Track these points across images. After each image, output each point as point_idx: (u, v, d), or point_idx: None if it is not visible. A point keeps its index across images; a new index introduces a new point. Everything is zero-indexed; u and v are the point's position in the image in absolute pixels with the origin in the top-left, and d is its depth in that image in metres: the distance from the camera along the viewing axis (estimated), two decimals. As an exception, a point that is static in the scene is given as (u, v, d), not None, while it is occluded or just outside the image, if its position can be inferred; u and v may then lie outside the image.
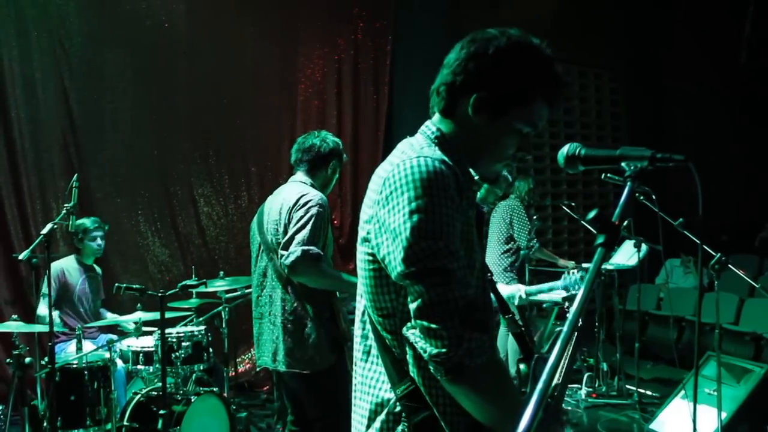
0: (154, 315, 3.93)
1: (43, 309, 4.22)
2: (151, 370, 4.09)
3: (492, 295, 1.58)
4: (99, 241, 4.63)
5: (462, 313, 1.26)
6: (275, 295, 2.95)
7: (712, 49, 8.19)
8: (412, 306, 1.30)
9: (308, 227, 2.79)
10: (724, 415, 3.73)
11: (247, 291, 4.35)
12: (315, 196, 2.90)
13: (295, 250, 2.75)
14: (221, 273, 4.55)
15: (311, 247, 2.76)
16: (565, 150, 1.32)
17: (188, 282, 3.96)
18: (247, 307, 3.44)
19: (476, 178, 1.50)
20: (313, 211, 2.82)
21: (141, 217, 5.82)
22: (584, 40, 7.71)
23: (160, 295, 3.54)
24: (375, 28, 6.84)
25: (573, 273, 2.97)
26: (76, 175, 3.74)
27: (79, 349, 3.78)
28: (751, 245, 8.13)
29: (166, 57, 5.90)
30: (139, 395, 3.88)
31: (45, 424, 3.62)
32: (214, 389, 4.04)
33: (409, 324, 1.33)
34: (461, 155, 1.45)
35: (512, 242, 5.05)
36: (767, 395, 4.00)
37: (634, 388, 5.27)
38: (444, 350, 1.25)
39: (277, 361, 2.93)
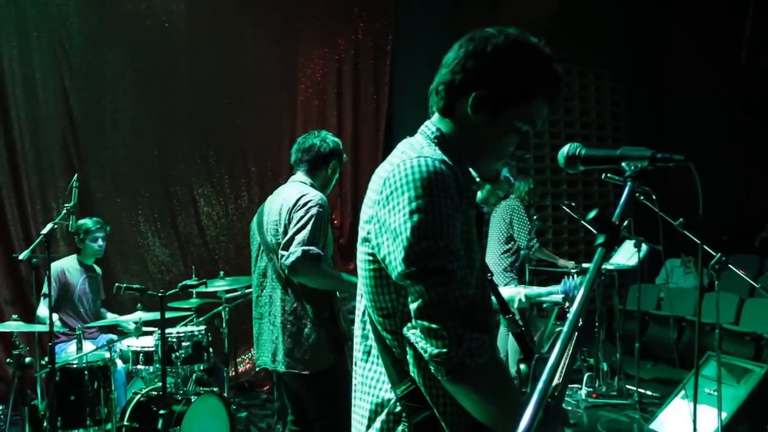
0: (155, 315, 3.93)
1: (42, 309, 4.22)
2: (151, 370, 4.09)
3: (492, 295, 1.58)
4: (100, 242, 4.63)
5: (463, 312, 1.26)
6: (275, 295, 2.95)
7: (712, 49, 8.19)
8: (413, 306, 1.30)
9: (308, 227, 2.79)
10: (724, 415, 3.73)
11: (247, 291, 4.35)
12: (315, 196, 2.90)
13: (296, 251, 2.75)
14: (221, 273, 4.55)
15: (311, 248, 2.76)
16: (565, 150, 1.32)
17: (188, 282, 3.96)
18: (247, 307, 3.44)
19: (476, 177, 1.50)
20: (313, 211, 2.82)
21: (141, 217, 5.83)
22: (584, 40, 7.71)
23: (160, 295, 3.54)
24: (375, 28, 6.84)
25: (572, 277, 2.97)
26: (76, 175, 3.75)
27: (79, 349, 3.78)
28: (752, 245, 8.13)
29: (166, 57, 5.90)
30: (140, 395, 3.88)
31: (45, 423, 3.62)
32: (215, 389, 4.04)
33: (409, 324, 1.33)
34: (461, 155, 1.45)
35: (512, 242, 5.05)
36: (767, 395, 4.00)
37: (634, 388, 5.27)
38: (445, 350, 1.25)
39: (277, 362, 2.92)
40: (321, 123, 6.45)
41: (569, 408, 5.10)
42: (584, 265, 5.48)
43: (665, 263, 7.39)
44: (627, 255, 5.41)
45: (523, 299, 3.12)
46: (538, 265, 5.83)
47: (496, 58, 1.38)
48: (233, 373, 5.47)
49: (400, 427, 1.38)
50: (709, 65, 8.31)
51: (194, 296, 4.65)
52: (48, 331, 3.39)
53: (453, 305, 1.26)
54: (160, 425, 3.55)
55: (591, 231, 4.41)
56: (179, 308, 4.48)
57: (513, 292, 3.08)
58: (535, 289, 3.15)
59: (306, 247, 2.75)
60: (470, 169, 1.48)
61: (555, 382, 1.02)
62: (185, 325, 4.48)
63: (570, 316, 1.02)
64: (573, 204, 6.29)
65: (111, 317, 4.56)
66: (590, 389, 5.40)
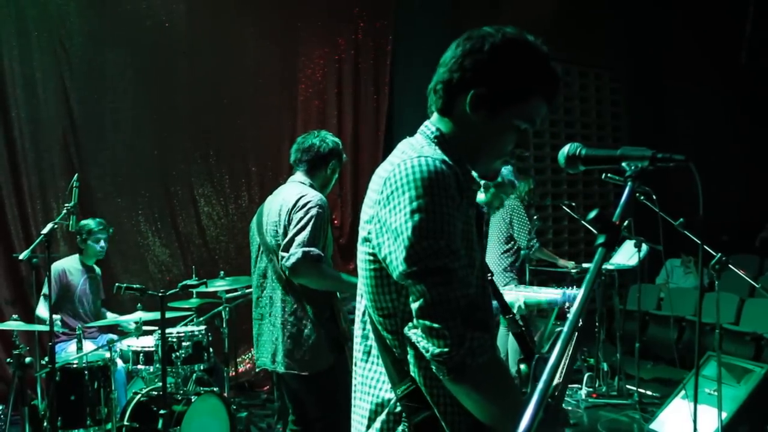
0: (155, 315, 3.93)
1: (42, 309, 4.22)
2: (151, 370, 4.09)
3: (492, 295, 1.58)
4: (102, 243, 4.63)
5: (464, 312, 1.26)
6: (275, 296, 2.95)
7: (712, 49, 8.19)
8: (414, 306, 1.30)
9: (308, 228, 2.78)
10: (724, 415, 3.73)
11: (247, 291, 4.35)
12: (314, 196, 2.89)
13: (296, 252, 2.74)
14: (221, 273, 4.55)
15: (312, 249, 2.76)
16: (565, 150, 1.32)
17: (188, 282, 3.96)
18: (247, 306, 3.44)
19: (476, 177, 1.50)
20: (313, 212, 2.82)
21: (141, 217, 5.83)
22: (585, 40, 7.72)
23: (160, 294, 3.54)
24: (375, 28, 6.84)
25: (572, 288, 3.00)
26: (76, 174, 3.75)
27: (79, 348, 3.78)
28: (752, 245, 8.14)
29: (166, 57, 5.90)
30: (140, 395, 3.88)
31: (45, 423, 3.62)
32: (215, 389, 4.04)
33: (410, 324, 1.33)
34: (461, 154, 1.45)
35: (512, 242, 5.04)
36: (767, 395, 4.00)
37: (634, 388, 5.27)
38: (446, 350, 1.25)
39: (276, 362, 2.92)
40: (321, 123, 6.45)
41: (569, 408, 5.10)
42: (584, 265, 5.48)
43: (665, 263, 7.39)
44: (627, 255, 5.41)
45: (523, 306, 3.13)
46: (538, 265, 5.83)
47: (494, 56, 1.39)
48: (233, 373, 5.47)
49: (400, 427, 1.38)
50: (709, 65, 8.31)
51: (194, 296, 4.65)
52: (48, 331, 3.39)
53: (454, 305, 1.26)
54: (160, 425, 3.55)
55: (591, 231, 4.41)
56: (179, 308, 4.48)
57: (512, 298, 3.09)
58: (533, 296, 3.15)
59: (306, 249, 2.75)
60: (470, 169, 1.48)
61: (555, 382, 1.02)
62: (185, 325, 4.49)
63: (570, 316, 1.02)
64: (573, 204, 6.29)
65: (111, 317, 4.56)
66: (590, 389, 5.40)
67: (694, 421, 3.25)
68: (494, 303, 1.60)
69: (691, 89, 8.47)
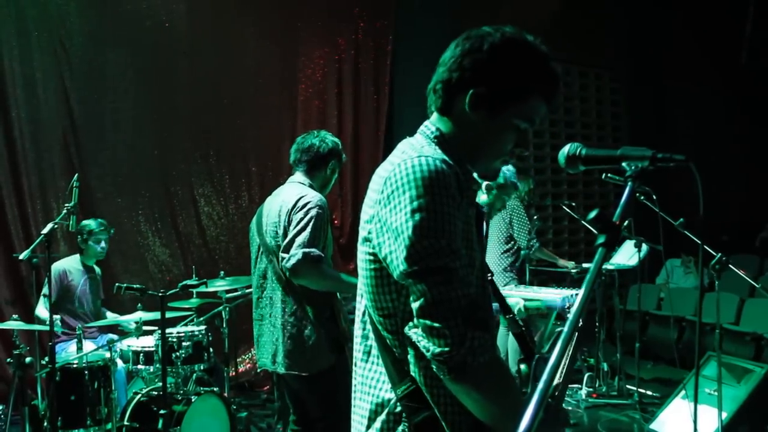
0: (155, 315, 3.93)
1: (41, 309, 4.22)
2: (151, 370, 4.09)
3: (492, 295, 1.58)
4: (103, 244, 4.63)
5: (464, 311, 1.26)
6: (275, 297, 2.95)
7: (712, 49, 8.19)
8: (415, 305, 1.30)
9: (308, 229, 2.78)
10: (724, 415, 3.73)
11: (247, 291, 4.35)
12: (314, 197, 2.89)
13: (296, 253, 2.74)
14: (222, 273, 4.55)
15: (312, 250, 2.76)
16: (565, 150, 1.32)
17: (189, 282, 3.96)
18: (247, 306, 3.44)
19: (476, 177, 1.50)
20: (313, 212, 2.82)
21: (141, 217, 5.83)
22: (585, 40, 7.72)
23: (160, 294, 3.54)
24: (375, 28, 6.84)
25: (573, 296, 3.01)
26: (76, 174, 3.75)
27: (79, 348, 3.78)
28: (752, 245, 8.13)
29: (166, 57, 5.90)
30: (140, 395, 3.88)
31: (45, 423, 3.63)
32: (215, 389, 4.04)
33: (411, 323, 1.33)
34: (461, 154, 1.45)
35: (512, 242, 5.04)
36: (767, 395, 4.00)
37: (634, 388, 5.27)
38: (447, 349, 1.25)
39: (277, 363, 2.92)
40: (321, 123, 6.45)
41: (569, 408, 5.10)
42: (584, 265, 5.48)
43: (665, 263, 7.40)
44: (627, 255, 5.41)
45: (523, 309, 3.14)
46: (538, 265, 5.83)
47: (493, 55, 1.39)
48: (233, 373, 5.47)
49: (401, 427, 1.38)
50: (709, 65, 8.32)
51: (194, 296, 4.65)
52: (48, 331, 3.39)
53: (455, 304, 1.26)
54: (160, 425, 3.55)
55: (591, 231, 4.41)
56: (179, 308, 4.48)
57: (512, 301, 3.09)
58: (533, 296, 3.16)
59: (307, 250, 2.74)
60: (470, 169, 1.48)
61: (555, 382, 1.02)
62: (185, 325, 4.49)
63: (570, 316, 1.02)
64: (573, 204, 6.29)
65: (111, 317, 4.56)
66: (590, 389, 5.40)
67: (695, 421, 3.26)
68: (494, 304, 1.60)
69: (691, 89, 8.47)
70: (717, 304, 3.38)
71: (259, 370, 3.44)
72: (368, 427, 1.43)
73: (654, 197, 3.61)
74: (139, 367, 4.09)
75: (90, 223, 4.59)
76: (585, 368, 5.56)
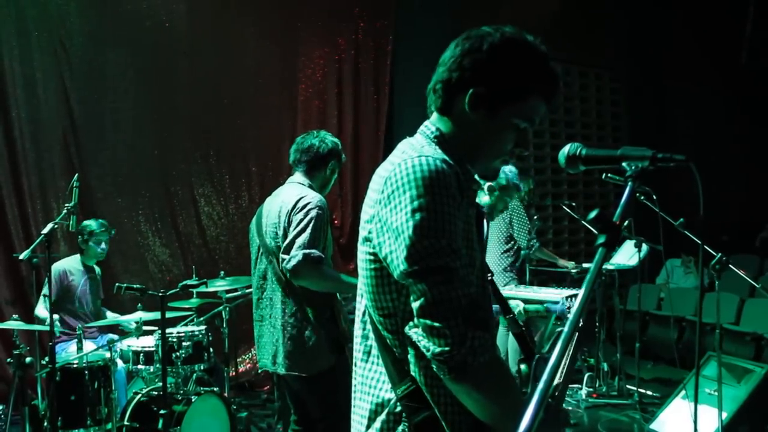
0: (155, 315, 3.93)
1: (41, 309, 4.22)
2: (151, 370, 4.09)
3: (492, 295, 1.58)
4: (103, 245, 4.63)
5: (465, 311, 1.26)
6: (275, 297, 2.94)
7: (712, 49, 8.19)
8: (415, 305, 1.30)
9: (308, 230, 2.78)
10: (724, 415, 3.73)
11: (247, 291, 4.35)
12: (314, 198, 2.88)
13: (297, 254, 2.74)
14: (222, 273, 4.55)
15: (312, 251, 2.75)
16: (566, 150, 1.32)
17: (189, 282, 3.96)
18: (247, 306, 3.44)
19: (476, 176, 1.50)
20: (313, 213, 2.81)
21: (141, 217, 5.83)
22: (585, 40, 7.72)
23: (160, 294, 3.54)
24: (375, 28, 6.84)
25: (572, 300, 3.02)
26: (76, 174, 3.75)
27: (79, 348, 3.78)
28: (752, 245, 8.13)
29: (166, 57, 5.90)
30: (140, 395, 3.88)
31: (45, 423, 3.63)
32: (215, 389, 4.04)
33: (411, 323, 1.33)
34: (461, 154, 1.45)
35: (512, 242, 5.04)
36: (767, 395, 4.00)
37: (634, 388, 5.27)
38: (447, 348, 1.25)
39: (277, 364, 2.92)
40: (321, 123, 6.45)
41: (570, 408, 5.10)
42: (584, 265, 5.48)
43: (666, 263, 7.40)
44: (627, 255, 5.41)
45: (523, 312, 3.15)
46: (538, 265, 5.83)
47: (493, 55, 1.39)
48: (233, 373, 5.47)
49: (401, 427, 1.38)
50: (709, 65, 8.32)
51: (194, 296, 4.65)
52: (48, 331, 3.39)
53: (455, 304, 1.26)
54: (160, 425, 3.55)
55: (591, 231, 4.41)
56: (179, 308, 4.48)
57: (512, 303, 3.11)
58: (534, 296, 3.17)
59: (307, 251, 2.74)
60: (470, 168, 1.48)
61: (556, 382, 1.02)
62: (185, 324, 4.49)
63: (571, 316, 1.02)
64: (573, 204, 6.29)
65: (111, 317, 4.56)
66: (591, 389, 5.40)
67: (695, 422, 3.25)
68: (495, 306, 1.60)
69: (691, 89, 8.47)
70: (717, 304, 3.38)
71: (259, 371, 3.45)
72: (368, 427, 1.43)
73: (654, 197, 3.61)
74: (139, 367, 4.09)
75: (91, 224, 4.59)
76: (585, 368, 5.56)
